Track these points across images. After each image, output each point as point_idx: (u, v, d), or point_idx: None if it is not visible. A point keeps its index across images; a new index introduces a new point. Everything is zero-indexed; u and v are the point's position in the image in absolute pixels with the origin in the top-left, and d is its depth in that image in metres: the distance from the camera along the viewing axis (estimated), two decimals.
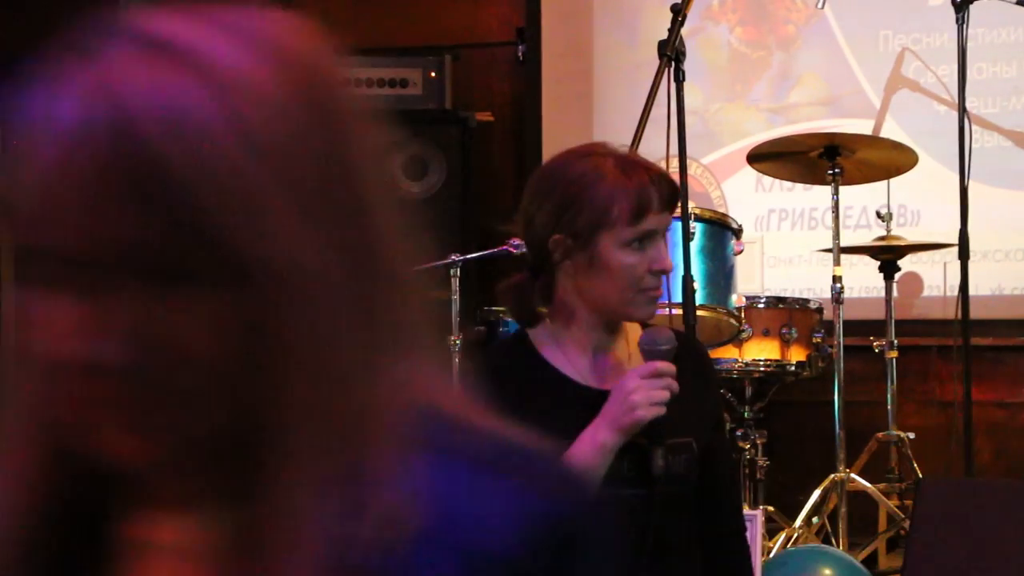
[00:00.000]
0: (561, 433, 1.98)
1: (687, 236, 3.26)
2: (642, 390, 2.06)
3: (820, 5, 4.95)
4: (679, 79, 3.15)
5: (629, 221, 2.09)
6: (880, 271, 4.74)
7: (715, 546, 2.23)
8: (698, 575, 2.18)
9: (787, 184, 5.42)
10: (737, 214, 4.62)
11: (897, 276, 4.76)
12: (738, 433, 4.64)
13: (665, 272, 2.14)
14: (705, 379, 2.27)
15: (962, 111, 4.06)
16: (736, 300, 4.21)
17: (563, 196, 2.13)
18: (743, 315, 4.25)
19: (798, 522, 4.37)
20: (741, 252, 4.25)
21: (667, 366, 2.09)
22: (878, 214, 4.72)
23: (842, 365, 4.43)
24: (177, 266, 0.76)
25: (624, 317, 2.20)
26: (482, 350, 2.26)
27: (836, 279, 4.39)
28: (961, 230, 4.04)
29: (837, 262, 4.41)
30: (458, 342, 4.44)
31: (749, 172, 5.15)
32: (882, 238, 4.69)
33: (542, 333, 2.21)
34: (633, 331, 2.25)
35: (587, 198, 2.10)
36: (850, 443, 4.43)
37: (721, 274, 4.18)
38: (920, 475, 4.48)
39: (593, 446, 2.05)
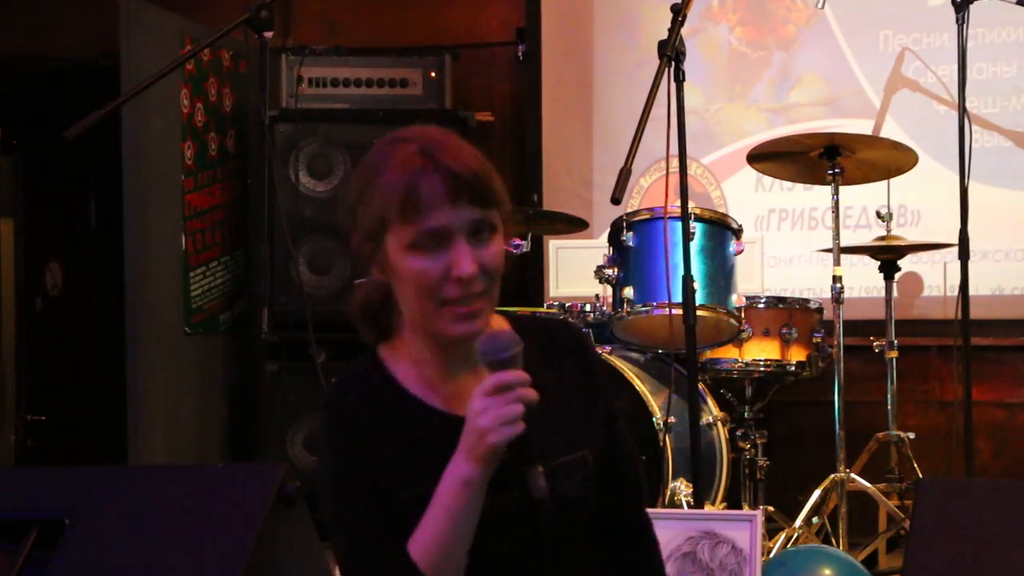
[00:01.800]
0: (428, 471, 1.78)
1: (687, 236, 3.26)
2: (489, 411, 1.71)
3: (820, 5, 4.95)
4: (679, 79, 3.15)
5: (404, 218, 1.75)
6: (880, 271, 4.74)
7: (618, 542, 2.01)
8: None
9: (787, 184, 5.42)
10: (737, 214, 4.62)
11: (897, 276, 4.76)
12: (738, 433, 4.64)
13: (462, 279, 1.74)
14: (587, 373, 1.94)
15: (962, 111, 4.06)
16: (736, 300, 4.21)
17: (356, 190, 1.83)
18: (743, 315, 4.25)
19: (798, 522, 4.37)
20: (741, 252, 4.26)
21: (514, 376, 1.72)
22: (878, 214, 4.72)
23: (842, 365, 4.43)
24: None
25: (438, 336, 1.81)
26: (329, 385, 1.94)
27: (836, 279, 4.39)
28: (961, 230, 4.04)
29: (837, 262, 4.41)
30: None
31: (749, 172, 5.15)
32: (882, 238, 4.69)
33: (398, 352, 1.88)
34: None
35: (370, 192, 1.80)
36: (850, 443, 4.43)
37: (721, 274, 4.18)
38: (920, 475, 4.48)
39: (455, 484, 1.75)
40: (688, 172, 3.24)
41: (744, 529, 3.45)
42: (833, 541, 4.40)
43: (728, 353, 4.55)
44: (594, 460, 1.90)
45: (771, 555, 4.03)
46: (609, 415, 1.98)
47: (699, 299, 3.92)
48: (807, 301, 4.67)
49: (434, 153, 1.77)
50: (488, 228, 1.78)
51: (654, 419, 4.09)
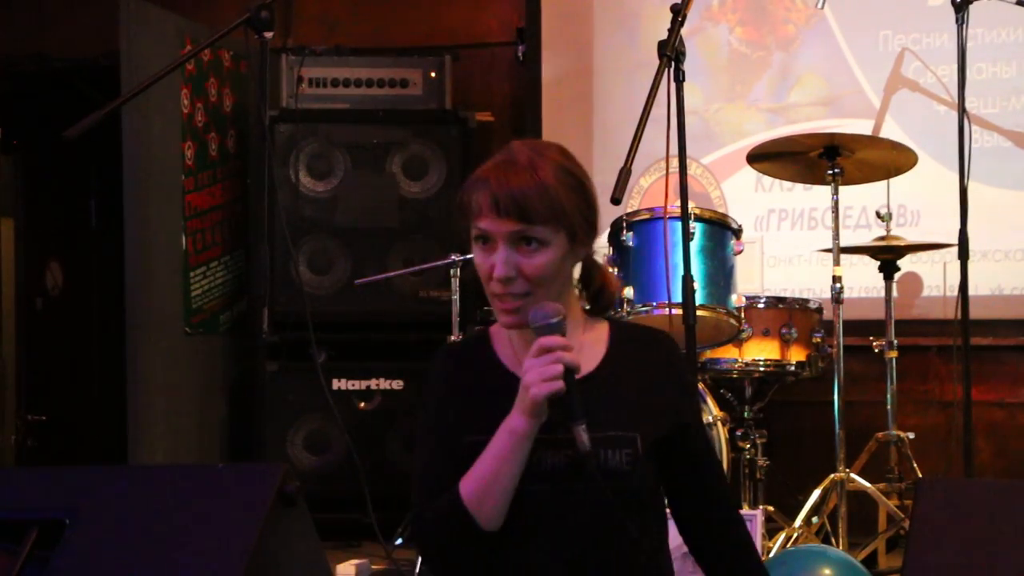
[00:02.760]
0: (495, 423, 2.09)
1: (687, 236, 3.26)
2: (533, 368, 2.03)
3: (820, 5, 4.95)
4: (679, 79, 3.15)
5: (470, 215, 2.11)
6: (880, 271, 4.75)
7: (714, 540, 2.24)
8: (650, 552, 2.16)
9: (787, 184, 5.42)
10: (737, 214, 4.62)
11: (897, 276, 4.76)
12: (738, 433, 4.65)
13: (498, 278, 2.08)
14: (668, 377, 2.21)
15: (962, 111, 4.06)
16: (736, 300, 4.21)
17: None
18: (743, 315, 4.25)
19: (798, 522, 4.37)
20: (741, 252, 4.26)
21: (553, 340, 2.04)
22: (878, 214, 4.72)
23: (842, 365, 4.43)
24: None
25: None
26: (447, 343, 2.27)
27: (836, 279, 4.39)
28: (961, 230, 4.04)
29: (837, 262, 4.42)
30: None
31: (749, 172, 5.15)
32: (882, 238, 4.69)
33: (502, 331, 2.21)
34: (591, 328, 2.22)
35: (464, 186, 2.15)
36: (850, 443, 4.43)
37: (721, 274, 4.18)
38: (920, 475, 4.48)
39: (504, 432, 2.05)
40: (688, 172, 3.24)
41: None
42: (833, 541, 4.41)
43: (728, 353, 4.56)
44: (648, 446, 2.13)
45: (771, 555, 4.03)
46: (689, 423, 2.22)
47: (699, 299, 3.92)
48: (807, 301, 4.67)
49: (495, 170, 2.10)
50: (536, 241, 2.09)
51: None
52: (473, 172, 2.15)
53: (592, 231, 2.18)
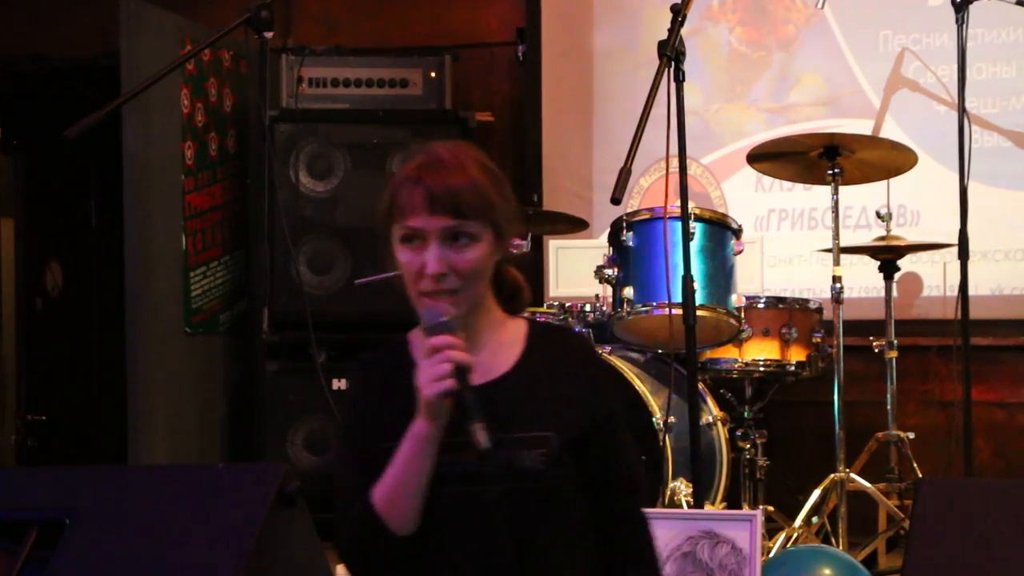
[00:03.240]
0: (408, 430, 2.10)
1: (687, 236, 3.26)
2: (424, 369, 2.04)
3: (820, 5, 4.95)
4: (679, 79, 3.15)
5: (396, 216, 2.11)
6: (880, 271, 4.75)
7: (616, 551, 2.21)
8: (577, 569, 2.15)
9: (787, 184, 5.42)
10: (737, 214, 4.62)
11: (897, 276, 4.76)
12: (738, 433, 4.65)
13: (431, 275, 2.10)
14: (583, 376, 2.20)
15: (962, 111, 4.06)
16: (736, 300, 4.21)
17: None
18: (743, 315, 4.25)
19: (798, 522, 4.37)
20: (741, 252, 4.26)
21: (441, 339, 2.05)
22: (878, 214, 4.72)
23: (842, 365, 4.43)
24: None
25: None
26: (361, 359, 2.29)
27: (836, 279, 4.39)
28: (961, 230, 4.04)
29: (837, 262, 4.42)
30: None
31: (749, 172, 5.15)
32: (882, 238, 4.69)
33: (421, 336, 2.18)
34: (508, 328, 2.21)
35: (386, 190, 2.16)
36: (850, 443, 4.43)
37: (721, 274, 4.18)
38: (920, 475, 4.48)
39: (409, 437, 2.06)
40: (688, 172, 3.24)
41: (744, 529, 3.45)
42: (833, 541, 4.41)
43: (728, 353, 4.56)
44: (563, 445, 2.11)
45: (771, 555, 4.03)
46: (606, 422, 2.20)
47: (699, 299, 3.91)
48: (807, 301, 4.67)
49: (424, 168, 2.11)
50: (466, 236, 2.10)
51: (654, 419, 4.10)
52: (397, 173, 2.16)
53: (512, 229, 2.19)
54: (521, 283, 2.30)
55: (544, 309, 4.70)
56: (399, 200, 2.11)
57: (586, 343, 2.34)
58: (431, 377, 2.03)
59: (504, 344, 2.20)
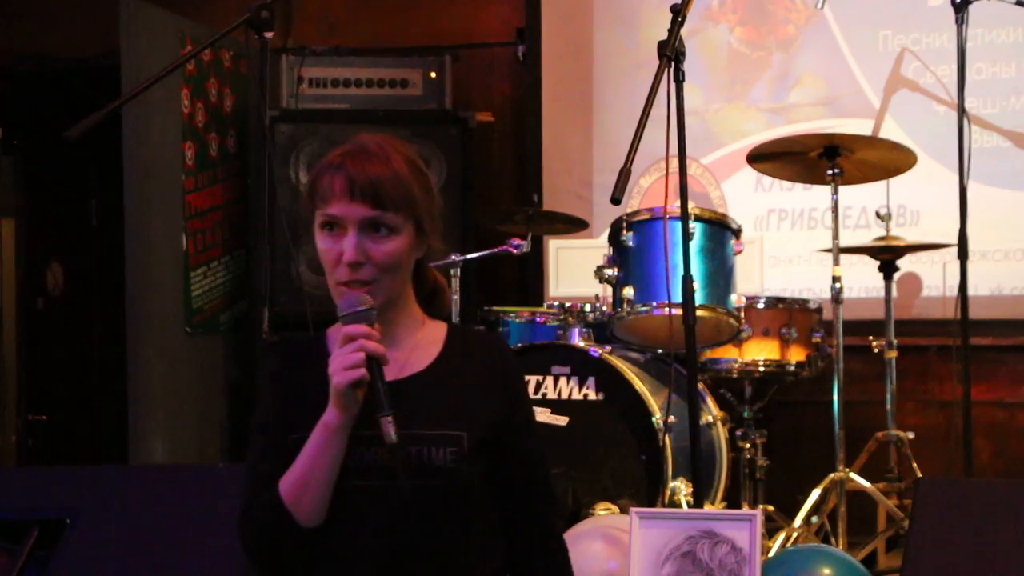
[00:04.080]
0: (318, 421, 2.08)
1: (687, 236, 3.26)
2: (336, 358, 2.02)
3: (820, 5, 4.95)
4: (679, 79, 3.15)
5: (316, 202, 2.11)
6: (879, 271, 4.75)
7: (527, 551, 2.21)
8: (485, 570, 2.15)
9: (787, 184, 5.43)
10: (737, 214, 4.63)
11: (896, 276, 4.76)
12: (738, 433, 4.65)
13: (344, 262, 2.09)
14: (498, 380, 2.19)
15: (961, 111, 4.06)
16: (736, 300, 4.21)
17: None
18: (743, 315, 4.25)
19: (797, 521, 4.37)
20: (741, 252, 4.26)
21: (356, 328, 2.03)
22: (877, 214, 4.73)
23: (842, 365, 4.43)
24: None
25: None
26: (268, 348, 2.27)
27: (835, 279, 4.39)
28: (960, 230, 4.04)
29: (836, 262, 4.42)
30: None
31: (749, 172, 5.15)
32: (881, 238, 4.69)
33: (340, 330, 2.16)
34: (427, 328, 2.21)
35: (310, 178, 2.16)
36: (850, 443, 4.43)
37: (721, 274, 4.19)
38: (919, 475, 4.48)
39: (319, 427, 2.04)
40: (688, 172, 3.24)
41: (744, 529, 3.45)
42: (832, 540, 4.41)
43: (728, 353, 4.56)
44: (474, 446, 2.11)
45: (771, 555, 4.04)
46: (519, 426, 2.21)
47: (699, 299, 3.92)
48: (806, 301, 4.67)
49: (348, 156, 2.10)
50: (385, 227, 2.09)
51: (654, 419, 4.10)
52: (321, 160, 2.14)
53: (435, 227, 2.20)
54: (442, 285, 2.31)
55: (544, 309, 4.70)
56: (320, 186, 2.10)
57: (504, 348, 2.33)
58: (343, 365, 2.01)
59: (421, 343, 2.19)
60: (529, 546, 2.21)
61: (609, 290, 4.27)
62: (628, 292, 4.12)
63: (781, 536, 4.36)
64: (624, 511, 3.86)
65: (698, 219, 4.12)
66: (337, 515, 2.06)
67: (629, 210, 4.47)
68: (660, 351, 4.43)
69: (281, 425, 2.12)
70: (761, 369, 4.58)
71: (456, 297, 4.59)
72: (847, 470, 4.39)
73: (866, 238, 4.93)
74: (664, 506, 4.03)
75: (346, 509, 2.06)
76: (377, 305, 2.09)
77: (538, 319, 4.62)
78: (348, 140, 2.15)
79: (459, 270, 4.57)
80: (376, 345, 2.03)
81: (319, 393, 2.06)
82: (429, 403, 2.12)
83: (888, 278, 4.73)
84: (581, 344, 4.30)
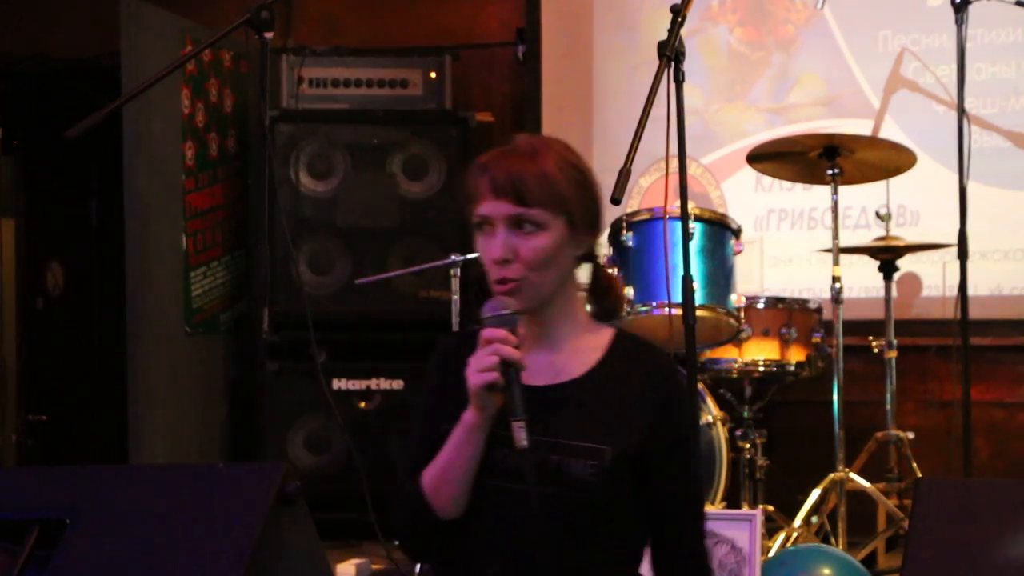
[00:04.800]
0: None
1: (687, 236, 3.26)
2: (473, 360, 2.06)
3: (820, 5, 4.95)
4: (679, 79, 3.15)
5: (470, 203, 2.15)
6: (879, 271, 4.75)
7: (664, 570, 2.17)
8: None
9: (787, 184, 5.43)
10: (737, 214, 4.63)
11: (896, 276, 4.76)
12: (738, 433, 4.65)
13: (493, 260, 2.10)
14: (652, 396, 2.13)
15: (961, 111, 4.06)
16: (736, 300, 4.22)
17: None
18: (743, 315, 4.26)
19: (797, 521, 4.37)
20: (741, 252, 4.26)
21: (494, 332, 2.04)
22: (877, 214, 4.73)
23: (841, 365, 4.43)
24: None
25: None
26: (441, 339, 2.33)
27: (835, 279, 4.40)
28: (960, 230, 4.04)
29: (836, 262, 4.42)
30: None
31: (749, 172, 5.15)
32: (881, 238, 4.69)
33: None
34: (591, 334, 2.19)
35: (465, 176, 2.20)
36: (849, 443, 4.43)
37: (721, 274, 4.19)
38: (919, 475, 4.48)
39: (460, 424, 2.09)
40: (688, 172, 3.24)
41: (743, 529, 3.46)
42: (832, 541, 4.41)
43: (727, 353, 4.56)
44: (616, 461, 2.08)
45: (770, 555, 4.04)
46: (671, 444, 2.14)
47: (699, 299, 3.92)
48: (806, 301, 4.67)
49: (496, 156, 2.14)
50: (532, 223, 2.09)
51: None
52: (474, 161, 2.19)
53: (594, 223, 2.19)
54: (616, 285, 2.28)
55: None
56: (470, 187, 2.15)
57: (668, 362, 2.23)
58: (477, 367, 2.04)
59: (582, 350, 2.17)
60: (668, 567, 2.17)
61: None
62: (628, 292, 4.12)
63: (781, 536, 4.36)
64: None
65: (698, 219, 4.12)
66: (474, 511, 2.11)
67: (629, 210, 4.47)
68: None
69: (437, 416, 2.16)
70: (761, 369, 4.58)
71: (456, 297, 4.59)
72: (847, 470, 4.40)
73: (866, 238, 4.93)
74: None
75: (482, 506, 2.10)
76: (527, 304, 2.10)
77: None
78: (506, 141, 2.19)
79: (459, 270, 4.57)
80: (511, 350, 2.04)
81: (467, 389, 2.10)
82: (577, 413, 2.11)
83: (888, 278, 4.74)
84: None
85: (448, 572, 2.19)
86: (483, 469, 2.09)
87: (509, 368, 2.03)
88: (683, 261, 3.22)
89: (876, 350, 4.72)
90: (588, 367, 2.15)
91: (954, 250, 4.08)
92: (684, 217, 3.24)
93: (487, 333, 2.05)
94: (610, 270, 4.18)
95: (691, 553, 2.18)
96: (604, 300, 2.26)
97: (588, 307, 2.26)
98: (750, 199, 5.60)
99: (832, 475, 4.38)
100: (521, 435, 2.00)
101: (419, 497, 2.11)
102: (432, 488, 2.10)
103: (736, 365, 4.57)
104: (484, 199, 2.11)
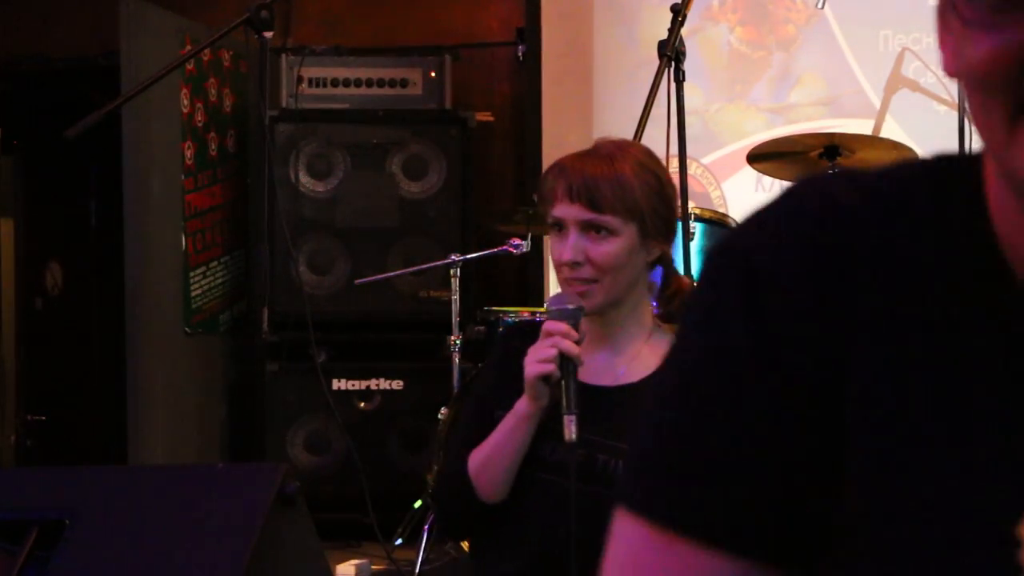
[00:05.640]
0: None
1: (687, 236, 3.26)
2: (532, 350, 2.11)
3: (820, 5, 4.94)
4: (679, 79, 3.16)
5: (546, 204, 2.19)
6: None
7: None
8: None
9: (787, 184, 5.42)
10: (737, 214, 4.63)
11: None
12: None
13: (563, 262, 2.15)
14: None
15: (962, 111, 4.06)
16: None
17: None
18: None
19: None
20: None
21: (555, 325, 2.09)
22: None
23: None
24: None
25: None
26: (508, 326, 2.41)
27: None
28: None
29: None
30: (458, 342, 4.44)
31: (749, 172, 5.15)
32: None
33: None
34: (657, 339, 2.24)
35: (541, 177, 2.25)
36: None
37: None
38: None
39: (511, 413, 2.15)
40: (688, 172, 3.24)
41: None
42: None
43: None
44: None
45: None
46: None
47: None
48: None
49: (573, 160, 2.17)
50: (605, 229, 2.13)
51: None
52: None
53: (668, 230, 2.21)
54: (681, 291, 2.31)
55: (543, 309, 4.69)
56: (546, 188, 2.18)
57: None
58: (536, 358, 2.08)
59: (644, 354, 2.22)
60: None
61: None
62: None
63: None
64: None
65: (698, 219, 4.11)
66: (516, 499, 2.16)
67: None
68: None
69: (492, 400, 2.22)
70: None
71: (456, 297, 4.59)
72: None
73: None
74: None
75: (524, 496, 2.15)
76: (595, 307, 2.15)
77: (538, 319, 4.61)
78: (596, 144, 2.22)
79: (459, 270, 4.57)
80: (570, 344, 2.08)
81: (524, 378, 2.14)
82: (631, 417, 2.12)
83: None
84: None
85: (481, 555, 2.26)
86: (529, 460, 2.14)
87: (567, 362, 2.07)
88: (683, 261, 3.22)
89: None
90: (648, 372, 2.19)
91: None
92: (684, 217, 3.24)
93: (549, 325, 2.10)
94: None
95: None
96: (671, 304, 2.31)
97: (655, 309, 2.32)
98: (750, 199, 5.59)
99: None
100: (571, 429, 2.04)
101: (463, 476, 2.16)
102: (476, 470, 2.16)
103: None
104: (559, 201, 2.15)
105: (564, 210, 2.14)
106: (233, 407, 5.71)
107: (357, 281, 5.06)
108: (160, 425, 5.33)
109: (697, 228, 4.11)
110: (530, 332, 2.22)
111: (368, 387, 5.35)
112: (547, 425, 2.12)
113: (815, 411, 0.82)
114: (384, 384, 5.34)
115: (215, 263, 5.71)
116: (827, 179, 0.94)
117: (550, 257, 2.21)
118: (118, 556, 2.13)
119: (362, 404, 5.34)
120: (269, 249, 3.68)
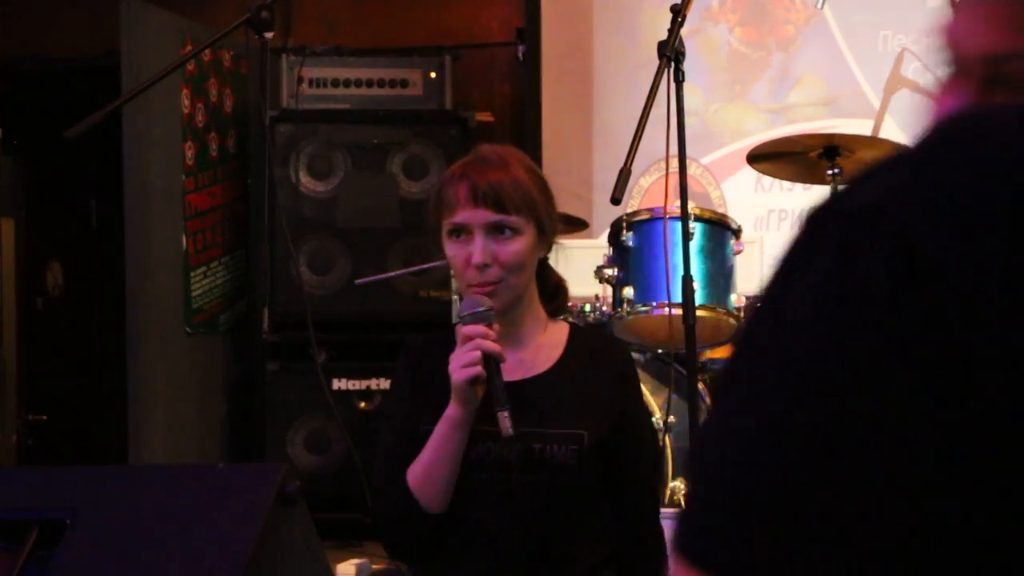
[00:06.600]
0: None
1: (687, 236, 3.26)
2: (455, 357, 2.17)
3: (820, 5, 4.95)
4: (679, 79, 3.16)
5: (443, 212, 2.25)
6: None
7: (629, 548, 2.32)
8: (598, 565, 2.27)
9: (787, 184, 5.42)
10: (737, 214, 4.63)
11: None
12: None
13: (473, 264, 2.20)
14: (616, 382, 2.32)
15: None
16: (736, 300, 4.21)
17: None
18: (743, 315, 4.25)
19: None
20: (741, 252, 4.26)
21: (474, 328, 2.16)
22: None
23: None
24: None
25: None
26: (406, 346, 2.44)
27: None
28: None
29: None
30: None
31: (749, 172, 5.15)
32: None
33: None
34: (550, 329, 2.34)
35: (434, 192, 2.33)
36: None
37: (721, 274, 4.19)
38: None
39: (443, 420, 2.19)
40: (688, 172, 3.24)
41: None
42: None
43: (728, 353, 4.56)
44: (593, 444, 2.24)
45: None
46: (629, 424, 2.33)
47: (699, 299, 3.91)
48: None
49: (469, 166, 2.25)
50: (510, 229, 2.22)
51: (654, 419, 4.10)
52: (444, 174, 2.32)
53: (555, 228, 2.34)
54: (562, 284, 2.44)
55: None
56: (446, 196, 2.24)
57: (623, 348, 2.47)
58: (461, 363, 2.14)
59: (545, 344, 2.32)
60: (629, 544, 2.32)
61: (609, 290, 4.27)
62: (628, 292, 4.11)
63: None
64: None
65: (698, 219, 4.12)
66: (460, 505, 2.21)
67: (629, 210, 4.47)
68: (660, 351, 4.43)
69: (413, 416, 2.27)
70: None
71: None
72: None
73: None
74: (664, 506, 4.03)
75: (468, 500, 2.21)
76: (503, 305, 2.23)
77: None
78: (470, 153, 2.31)
79: None
80: (492, 344, 2.15)
81: (446, 387, 2.19)
82: (553, 402, 2.26)
83: None
84: None
85: (433, 568, 2.29)
86: (467, 465, 2.19)
87: (491, 361, 2.15)
88: (683, 261, 3.22)
89: None
90: (554, 360, 2.31)
91: None
92: (684, 217, 3.24)
93: (467, 330, 2.16)
94: (609, 268, 4.21)
95: (645, 531, 2.34)
96: (555, 298, 2.42)
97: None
98: (750, 199, 5.59)
99: None
100: (507, 424, 2.10)
101: (405, 495, 2.20)
102: (418, 485, 2.20)
103: None
104: (461, 207, 2.21)
105: (469, 214, 2.21)
106: (233, 407, 5.71)
107: (357, 281, 5.06)
108: (160, 425, 5.34)
109: (697, 228, 4.11)
110: (434, 343, 2.33)
111: (368, 387, 5.35)
112: (478, 428, 2.19)
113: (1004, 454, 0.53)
114: (384, 384, 5.34)
115: (216, 263, 5.71)
116: (995, 113, 0.66)
117: (452, 265, 2.27)
118: (118, 556, 2.13)
119: (362, 404, 5.35)
120: (269, 249, 3.68)
